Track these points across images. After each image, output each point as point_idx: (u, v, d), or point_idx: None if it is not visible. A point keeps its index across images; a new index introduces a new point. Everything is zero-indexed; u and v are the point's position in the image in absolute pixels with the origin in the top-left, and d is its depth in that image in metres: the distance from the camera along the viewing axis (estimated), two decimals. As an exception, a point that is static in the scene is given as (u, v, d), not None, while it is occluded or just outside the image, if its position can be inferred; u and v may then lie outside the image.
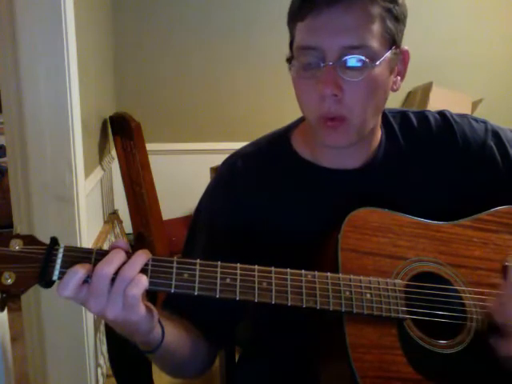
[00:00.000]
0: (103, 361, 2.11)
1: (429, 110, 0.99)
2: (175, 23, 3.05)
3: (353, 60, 0.79)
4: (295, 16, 0.83)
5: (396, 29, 0.83)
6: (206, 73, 3.12)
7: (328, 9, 0.78)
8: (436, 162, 0.94)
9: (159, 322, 0.78)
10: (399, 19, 0.83)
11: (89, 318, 1.79)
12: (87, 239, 1.75)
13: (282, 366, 0.95)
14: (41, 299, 1.68)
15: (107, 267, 0.68)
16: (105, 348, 2.10)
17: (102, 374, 2.08)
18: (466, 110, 2.95)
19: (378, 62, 0.80)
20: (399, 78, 0.89)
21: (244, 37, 3.11)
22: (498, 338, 0.78)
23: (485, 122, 0.98)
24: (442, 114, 0.98)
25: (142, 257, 0.70)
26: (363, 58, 0.79)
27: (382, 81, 0.83)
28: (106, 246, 2.02)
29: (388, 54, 0.82)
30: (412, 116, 0.98)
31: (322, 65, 0.80)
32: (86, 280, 0.69)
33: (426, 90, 3.09)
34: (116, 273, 0.69)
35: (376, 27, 0.80)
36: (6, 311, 1.29)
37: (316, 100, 0.82)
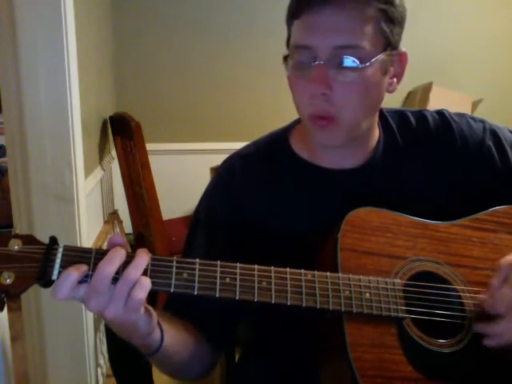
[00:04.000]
0: (103, 361, 2.11)
1: (427, 110, 1.00)
2: (175, 23, 3.05)
3: (343, 60, 0.79)
4: (292, 14, 0.84)
5: (391, 31, 0.82)
6: (206, 73, 3.12)
7: (320, 8, 0.78)
8: (434, 161, 0.94)
9: (158, 324, 0.78)
10: (395, 21, 0.83)
11: (89, 318, 1.79)
12: (87, 239, 1.75)
13: (282, 366, 0.95)
14: (41, 299, 1.68)
15: (109, 267, 0.68)
16: (105, 348, 2.10)
17: (102, 374, 2.08)
18: (466, 110, 2.95)
19: (368, 63, 0.80)
20: (395, 79, 0.89)
21: (244, 37, 3.10)
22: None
23: (483, 122, 0.99)
24: (440, 113, 0.99)
25: (144, 257, 0.70)
26: (354, 58, 0.79)
27: (373, 82, 0.83)
28: (105, 247, 2.02)
29: (381, 56, 0.82)
30: (410, 115, 0.98)
31: (312, 64, 0.80)
32: (85, 280, 0.68)
33: (426, 90, 3.09)
34: (117, 272, 0.68)
35: (369, 28, 0.80)
36: (5, 311, 1.29)
37: (307, 98, 0.83)
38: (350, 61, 0.79)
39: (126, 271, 0.68)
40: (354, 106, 0.83)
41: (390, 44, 0.83)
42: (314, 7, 0.79)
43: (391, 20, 0.82)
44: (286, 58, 0.87)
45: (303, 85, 0.83)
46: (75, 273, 0.67)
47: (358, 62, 0.79)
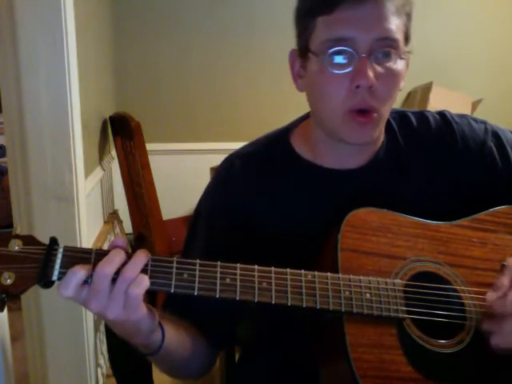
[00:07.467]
0: (103, 361, 2.11)
1: (428, 110, 0.99)
2: (175, 23, 3.05)
3: (384, 52, 0.80)
4: (314, 10, 0.82)
5: (409, 26, 0.84)
6: (206, 73, 3.12)
7: (361, 2, 0.78)
8: (435, 162, 0.94)
9: (159, 324, 0.79)
10: (410, 17, 0.84)
11: (89, 318, 1.79)
12: (87, 239, 1.75)
13: (282, 366, 0.95)
14: (41, 299, 1.68)
15: (108, 267, 0.68)
16: (105, 348, 2.10)
17: (102, 374, 2.08)
18: (466, 110, 2.95)
19: (404, 56, 0.82)
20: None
21: (244, 37, 3.11)
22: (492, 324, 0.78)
23: (484, 123, 0.98)
24: (441, 114, 0.98)
25: (142, 257, 0.71)
26: (393, 50, 0.80)
27: (403, 75, 0.84)
28: (105, 247, 2.02)
29: (406, 50, 0.84)
30: (411, 116, 0.98)
31: (356, 57, 0.80)
32: (86, 280, 0.69)
33: (426, 89, 3.09)
34: (117, 273, 0.69)
35: (400, 22, 0.81)
36: (6, 311, 1.29)
37: (345, 93, 0.82)
38: (389, 53, 0.80)
39: (124, 269, 0.69)
40: (390, 97, 0.84)
41: (408, 39, 0.85)
42: (353, 1, 0.78)
43: (409, 16, 0.84)
44: (303, 55, 0.85)
45: (341, 79, 0.81)
46: (81, 271, 0.68)
47: (395, 53, 0.81)
